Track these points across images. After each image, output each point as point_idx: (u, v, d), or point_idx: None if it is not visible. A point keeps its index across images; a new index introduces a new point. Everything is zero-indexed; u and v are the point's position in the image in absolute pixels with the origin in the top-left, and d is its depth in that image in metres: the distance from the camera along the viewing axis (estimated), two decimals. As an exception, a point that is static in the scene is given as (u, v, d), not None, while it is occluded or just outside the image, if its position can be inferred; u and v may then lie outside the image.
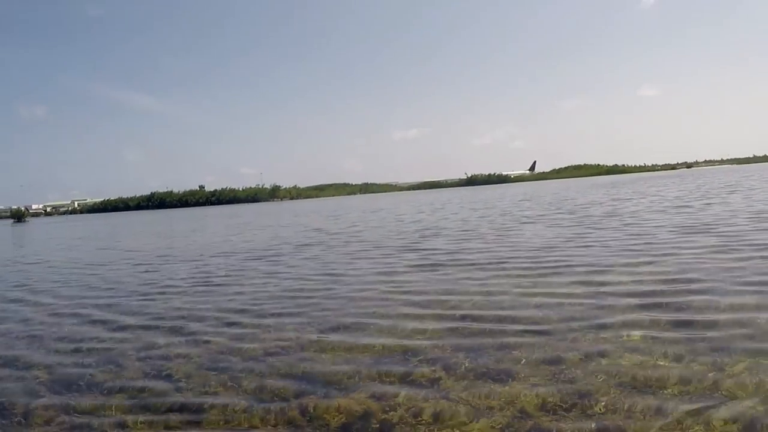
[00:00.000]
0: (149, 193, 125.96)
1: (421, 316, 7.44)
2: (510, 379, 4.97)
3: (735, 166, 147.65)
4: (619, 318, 6.65)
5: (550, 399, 4.47)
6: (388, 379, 5.25)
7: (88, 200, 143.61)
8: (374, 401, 4.75)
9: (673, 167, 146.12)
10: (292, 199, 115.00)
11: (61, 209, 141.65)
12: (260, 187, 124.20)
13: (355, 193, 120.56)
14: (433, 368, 5.42)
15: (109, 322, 8.49)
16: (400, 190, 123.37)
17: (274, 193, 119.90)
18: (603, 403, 4.34)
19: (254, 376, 5.59)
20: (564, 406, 4.36)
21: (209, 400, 5.08)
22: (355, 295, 9.17)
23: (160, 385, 5.58)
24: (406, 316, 7.56)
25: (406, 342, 6.34)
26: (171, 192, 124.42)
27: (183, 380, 5.66)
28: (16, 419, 5.08)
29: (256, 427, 4.53)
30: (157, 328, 7.92)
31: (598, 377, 4.85)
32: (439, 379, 5.16)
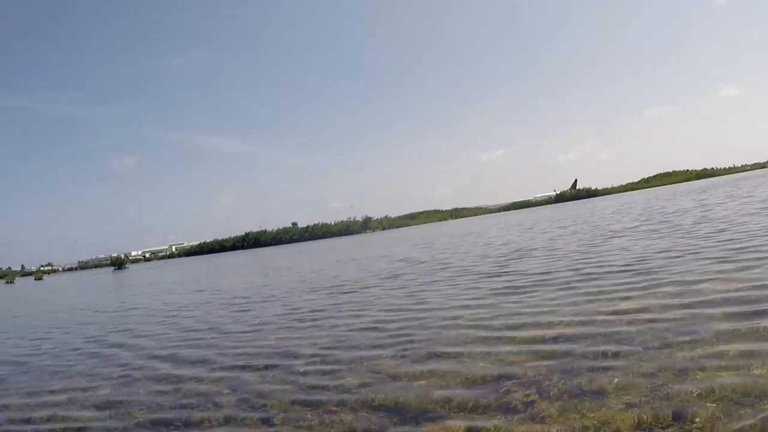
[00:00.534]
0: (244, 233, 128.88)
1: (513, 340, 7.45)
2: (604, 399, 4.94)
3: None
4: (715, 329, 6.49)
5: (644, 417, 4.43)
6: (481, 406, 5.29)
7: (185, 244, 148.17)
8: (468, 428, 4.81)
9: (762, 166, 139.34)
10: (384, 229, 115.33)
11: (160, 254, 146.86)
12: (352, 219, 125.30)
13: (446, 219, 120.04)
14: (527, 392, 5.44)
15: (206, 362, 8.82)
16: (490, 212, 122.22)
17: (366, 225, 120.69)
18: (699, 421, 4.26)
19: (348, 409, 5.74)
20: (660, 424, 4.31)
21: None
22: (446, 323, 9.21)
23: (255, 421, 5.80)
24: (498, 340, 7.58)
25: (499, 366, 6.38)
26: (265, 231, 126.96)
27: (280, 415, 5.86)
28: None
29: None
30: (251, 365, 8.18)
31: (694, 393, 4.76)
32: (533, 402, 5.18)
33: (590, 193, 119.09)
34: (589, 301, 9.18)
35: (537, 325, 8.04)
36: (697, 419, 4.29)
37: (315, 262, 34.89)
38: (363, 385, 6.42)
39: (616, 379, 5.36)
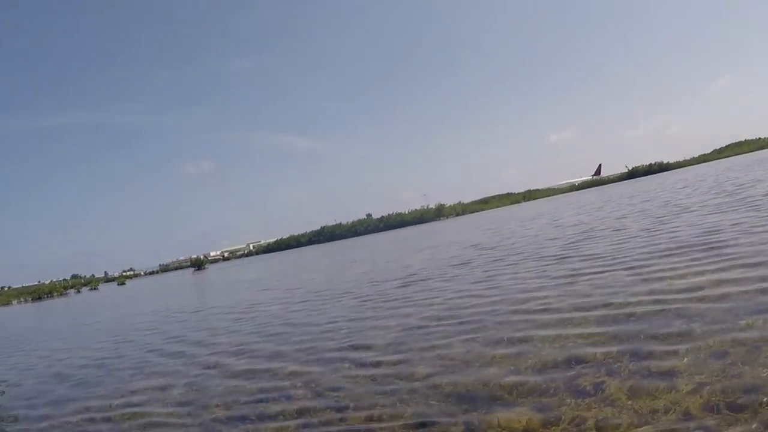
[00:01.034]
0: (319, 228, 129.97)
1: (584, 322, 7.43)
2: (674, 379, 4.91)
3: None
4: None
5: (714, 398, 4.39)
6: (551, 389, 5.32)
7: (262, 242, 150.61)
8: (537, 413, 4.86)
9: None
10: (458, 215, 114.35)
11: (238, 253, 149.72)
12: (425, 208, 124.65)
13: (519, 202, 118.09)
14: (597, 374, 5.44)
15: (277, 356, 9.09)
16: (562, 192, 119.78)
17: (440, 212, 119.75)
18: (769, 400, 4.20)
19: (420, 397, 5.86)
20: (730, 405, 4.26)
21: (374, 425, 5.43)
22: (517, 307, 9.20)
23: (328, 411, 5.98)
24: (568, 322, 7.57)
25: (569, 349, 6.38)
26: (340, 224, 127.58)
27: (351, 404, 6.02)
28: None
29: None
30: (322, 358, 8.39)
31: (764, 374, 4.66)
32: (603, 383, 5.18)
33: (662, 167, 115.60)
34: (660, 278, 9.03)
35: (608, 306, 7.97)
36: (766, 399, 4.23)
37: (389, 252, 35.15)
38: (432, 374, 6.52)
39: (685, 359, 5.31)
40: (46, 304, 62.78)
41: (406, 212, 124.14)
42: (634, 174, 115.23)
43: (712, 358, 5.20)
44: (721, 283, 7.96)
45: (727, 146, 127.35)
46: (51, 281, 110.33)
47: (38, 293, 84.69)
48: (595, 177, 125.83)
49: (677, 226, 15.37)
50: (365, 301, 13.68)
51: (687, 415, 4.27)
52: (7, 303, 79.96)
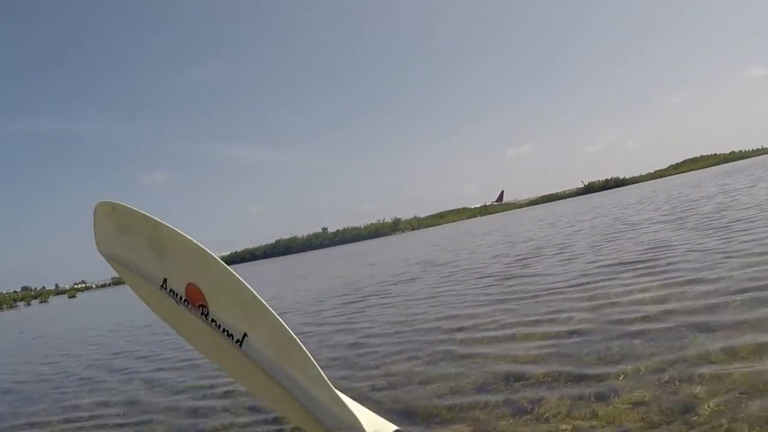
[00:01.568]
0: (274, 241, 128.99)
1: (528, 336, 7.39)
2: (612, 396, 4.86)
3: None
4: (730, 319, 6.36)
5: (651, 416, 4.35)
6: (489, 407, 5.23)
7: (218, 254, 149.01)
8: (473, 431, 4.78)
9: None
10: (413, 229, 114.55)
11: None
12: (381, 222, 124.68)
13: (475, 216, 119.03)
14: (536, 391, 5.38)
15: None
16: (519, 207, 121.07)
17: (395, 226, 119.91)
18: (707, 413, 4.18)
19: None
20: (667, 420, 4.23)
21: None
22: (463, 324, 9.14)
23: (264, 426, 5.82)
24: (510, 339, 7.53)
25: (510, 366, 6.32)
26: (295, 237, 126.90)
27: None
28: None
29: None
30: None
31: (703, 387, 4.66)
32: (541, 401, 5.11)
33: (618, 183, 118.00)
34: (604, 296, 9.09)
35: (553, 321, 7.99)
36: (704, 413, 4.21)
37: (338, 267, 35.05)
38: (376, 389, 6.41)
39: (622, 377, 5.29)
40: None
41: (362, 226, 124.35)
42: (590, 189, 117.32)
43: (650, 374, 5.18)
44: (663, 299, 8.01)
45: (683, 162, 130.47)
46: (0, 294, 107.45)
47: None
48: (496, 203, 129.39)
49: (622, 244, 15.55)
50: (309, 315, 13.56)
51: (624, 429, 4.24)
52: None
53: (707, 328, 6.21)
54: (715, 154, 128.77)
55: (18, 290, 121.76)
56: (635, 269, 10.90)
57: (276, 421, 5.85)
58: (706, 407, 4.26)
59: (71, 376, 11.31)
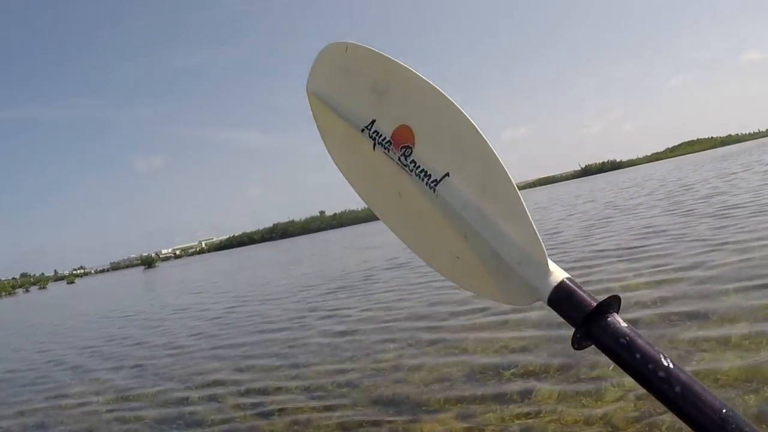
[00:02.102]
0: (271, 225, 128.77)
1: (518, 326, 7.29)
2: (602, 390, 4.77)
3: None
4: (722, 307, 6.29)
5: (640, 405, 4.28)
6: (478, 398, 5.15)
7: (214, 239, 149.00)
8: (461, 422, 4.70)
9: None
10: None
11: (189, 251, 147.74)
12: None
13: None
14: (526, 382, 5.29)
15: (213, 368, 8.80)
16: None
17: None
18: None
19: (348, 401, 5.69)
20: (656, 410, 4.15)
21: (300, 429, 5.25)
22: (454, 309, 9.05)
23: (254, 417, 5.75)
24: (502, 326, 7.45)
25: (501, 356, 6.23)
26: (292, 221, 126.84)
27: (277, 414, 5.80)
28: None
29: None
30: (255, 365, 8.14)
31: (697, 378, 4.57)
32: (531, 391, 5.03)
33: (615, 166, 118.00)
34: (596, 281, 9.03)
35: (540, 310, 7.86)
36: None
37: (333, 252, 35.06)
38: (365, 377, 6.33)
39: (611, 366, 5.19)
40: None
41: (360, 209, 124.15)
42: (587, 172, 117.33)
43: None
44: (656, 285, 7.95)
45: (680, 145, 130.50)
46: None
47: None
48: None
49: (615, 230, 15.47)
50: (299, 302, 13.53)
51: (611, 424, 4.16)
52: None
53: (700, 317, 6.16)
54: (712, 138, 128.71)
55: (17, 277, 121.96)
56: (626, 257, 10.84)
57: (264, 414, 5.83)
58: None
59: (61, 364, 11.27)
